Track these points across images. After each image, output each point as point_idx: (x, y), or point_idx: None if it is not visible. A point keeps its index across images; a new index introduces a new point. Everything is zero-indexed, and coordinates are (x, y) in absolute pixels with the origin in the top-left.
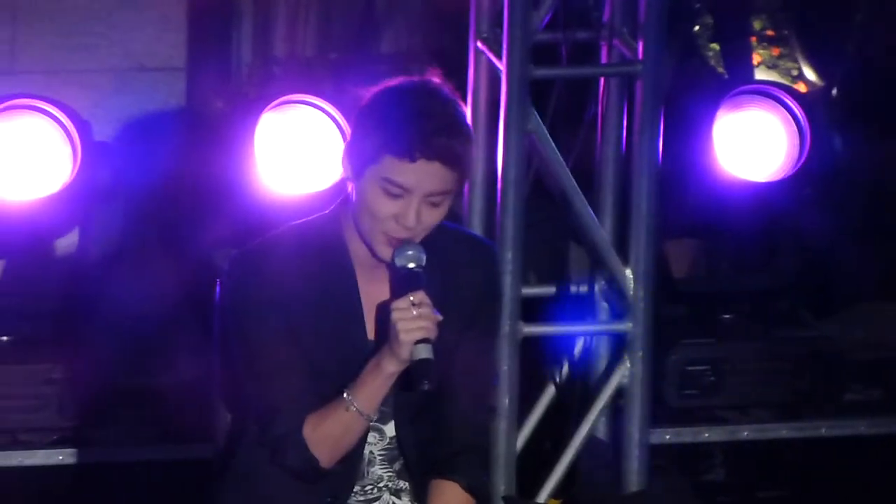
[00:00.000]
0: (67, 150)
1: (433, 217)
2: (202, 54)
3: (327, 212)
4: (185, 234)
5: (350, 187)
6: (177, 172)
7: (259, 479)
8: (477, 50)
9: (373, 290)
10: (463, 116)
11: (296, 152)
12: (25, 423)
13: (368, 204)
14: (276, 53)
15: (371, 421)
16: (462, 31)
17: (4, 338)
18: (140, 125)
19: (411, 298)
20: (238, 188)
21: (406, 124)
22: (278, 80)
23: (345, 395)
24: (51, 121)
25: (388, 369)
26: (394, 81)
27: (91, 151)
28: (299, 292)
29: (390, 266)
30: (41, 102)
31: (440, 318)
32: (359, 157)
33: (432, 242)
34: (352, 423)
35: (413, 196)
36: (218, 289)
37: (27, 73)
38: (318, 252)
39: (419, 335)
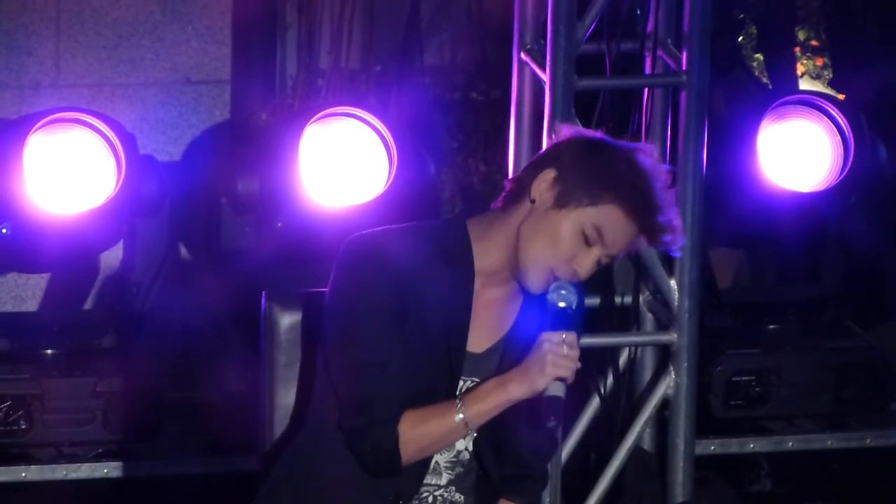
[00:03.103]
0: (112, 163)
1: (595, 270)
2: (247, 67)
3: (450, 217)
4: (229, 246)
5: (521, 206)
6: (221, 185)
7: (324, 473)
8: (521, 61)
9: (481, 302)
10: None
11: (340, 164)
12: (70, 436)
13: (558, 238)
14: (321, 66)
15: (470, 433)
16: (506, 43)
17: (49, 351)
18: (185, 138)
19: (563, 336)
20: (282, 200)
21: (655, 191)
22: (323, 92)
23: (457, 402)
24: (96, 134)
25: (513, 393)
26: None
27: (136, 164)
28: (416, 288)
29: (545, 300)
30: (86, 115)
31: (580, 365)
32: (573, 191)
33: None
34: (453, 432)
35: (602, 249)
36: (336, 268)
37: (72, 86)
38: (442, 253)
39: (562, 373)
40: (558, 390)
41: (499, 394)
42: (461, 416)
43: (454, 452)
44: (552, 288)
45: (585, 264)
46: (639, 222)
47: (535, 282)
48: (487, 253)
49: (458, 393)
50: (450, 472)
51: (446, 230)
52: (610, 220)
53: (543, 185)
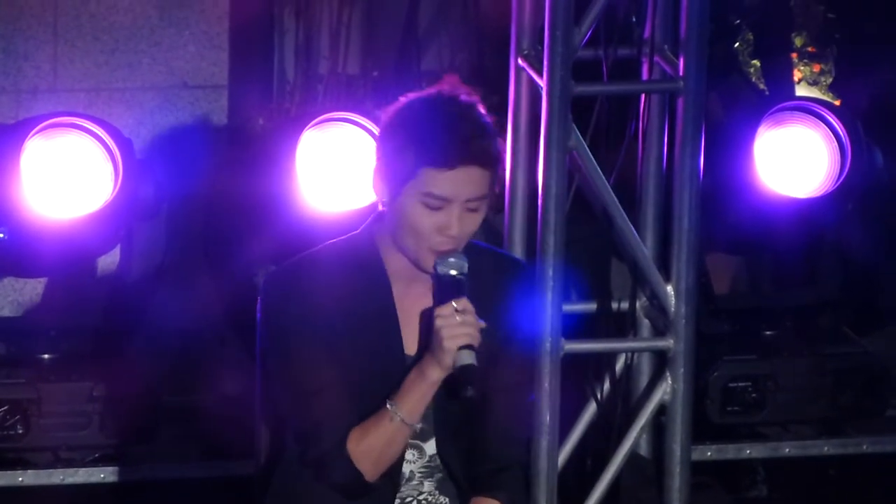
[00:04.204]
0: (109, 167)
1: (473, 223)
2: (244, 72)
3: (359, 230)
4: (226, 251)
5: (381, 208)
6: (218, 190)
7: (301, 495)
8: (518, 67)
9: (409, 303)
10: (487, 118)
11: (337, 170)
12: (67, 440)
13: (410, 221)
14: (319, 71)
15: (415, 430)
16: (503, 48)
17: (46, 355)
18: (182, 143)
19: (454, 305)
20: (280, 205)
21: (440, 134)
22: (320, 97)
23: (388, 405)
24: (93, 139)
25: (431, 377)
26: (410, 96)
27: (133, 169)
28: (336, 308)
29: (433, 275)
30: (83, 120)
31: (483, 324)
32: (393, 177)
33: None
34: (396, 434)
35: (454, 205)
36: (258, 306)
37: (69, 90)
38: (354, 268)
39: (463, 341)
40: (467, 358)
41: (420, 381)
42: (397, 416)
43: (426, 458)
44: (438, 262)
45: (452, 225)
46: (458, 163)
47: (427, 265)
48: (394, 255)
49: None
50: (430, 478)
51: (357, 244)
52: (431, 180)
53: (377, 186)
